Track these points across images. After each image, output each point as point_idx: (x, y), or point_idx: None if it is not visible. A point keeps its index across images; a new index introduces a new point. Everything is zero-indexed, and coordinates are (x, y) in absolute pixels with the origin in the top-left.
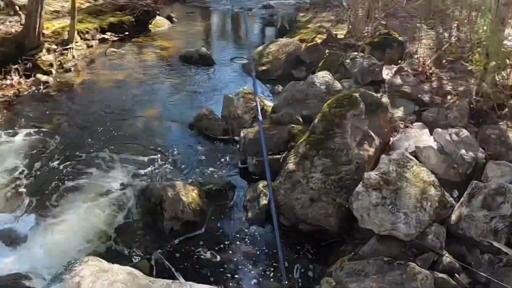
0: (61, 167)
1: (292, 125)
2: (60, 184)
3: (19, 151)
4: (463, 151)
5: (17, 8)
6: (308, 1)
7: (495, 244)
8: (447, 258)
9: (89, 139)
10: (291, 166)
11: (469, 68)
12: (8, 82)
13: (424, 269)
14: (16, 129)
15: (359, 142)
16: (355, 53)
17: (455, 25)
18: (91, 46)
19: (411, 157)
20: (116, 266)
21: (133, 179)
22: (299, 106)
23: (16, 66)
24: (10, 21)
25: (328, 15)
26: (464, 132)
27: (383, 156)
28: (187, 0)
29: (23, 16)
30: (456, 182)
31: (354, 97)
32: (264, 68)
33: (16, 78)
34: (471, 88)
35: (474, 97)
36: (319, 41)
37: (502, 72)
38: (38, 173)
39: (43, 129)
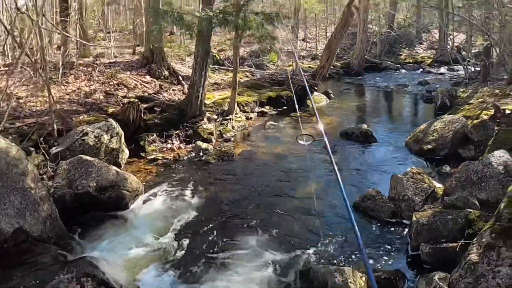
0: (212, 236)
1: (469, 210)
2: (210, 255)
3: (173, 214)
4: None
5: (180, 78)
6: (464, 76)
7: None
8: None
9: (244, 211)
10: (474, 257)
11: None
12: (169, 146)
13: None
14: (173, 192)
15: None
16: None
17: None
18: (250, 118)
19: None
20: None
21: (290, 258)
22: (474, 189)
23: (177, 132)
24: (173, 89)
25: (490, 89)
26: None
27: None
28: (342, 76)
29: (185, 86)
30: None
31: None
32: (429, 146)
33: (176, 143)
34: None
35: None
36: (485, 117)
37: None
38: (188, 240)
39: (199, 195)
